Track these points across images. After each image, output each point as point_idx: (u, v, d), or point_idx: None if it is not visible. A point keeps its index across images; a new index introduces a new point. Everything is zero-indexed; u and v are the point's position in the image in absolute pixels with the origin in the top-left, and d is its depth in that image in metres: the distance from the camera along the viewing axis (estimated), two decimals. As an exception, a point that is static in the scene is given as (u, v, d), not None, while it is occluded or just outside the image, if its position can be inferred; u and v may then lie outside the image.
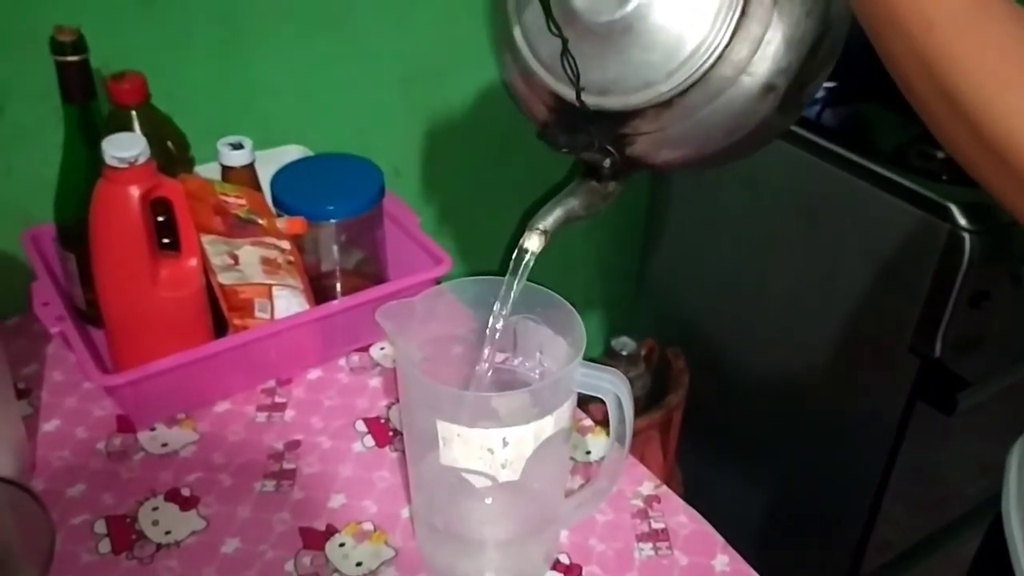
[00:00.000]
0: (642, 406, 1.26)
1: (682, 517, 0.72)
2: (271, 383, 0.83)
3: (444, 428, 0.57)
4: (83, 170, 0.76)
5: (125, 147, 0.69)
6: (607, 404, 0.59)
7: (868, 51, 0.66)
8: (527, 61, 0.53)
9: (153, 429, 0.77)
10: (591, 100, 0.51)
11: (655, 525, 0.71)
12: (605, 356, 1.30)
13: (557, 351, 0.62)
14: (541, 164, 1.32)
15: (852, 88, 1.16)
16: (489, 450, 0.57)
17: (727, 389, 1.35)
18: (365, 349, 0.88)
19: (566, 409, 0.59)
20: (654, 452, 1.25)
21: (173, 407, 0.79)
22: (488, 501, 0.60)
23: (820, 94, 1.20)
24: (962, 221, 0.98)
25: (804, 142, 1.12)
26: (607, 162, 0.54)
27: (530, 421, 0.57)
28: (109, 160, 0.69)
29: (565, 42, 0.49)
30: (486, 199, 1.26)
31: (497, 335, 0.59)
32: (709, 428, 1.39)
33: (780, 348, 1.25)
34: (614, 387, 0.58)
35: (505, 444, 0.57)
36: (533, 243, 0.56)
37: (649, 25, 0.48)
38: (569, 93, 0.51)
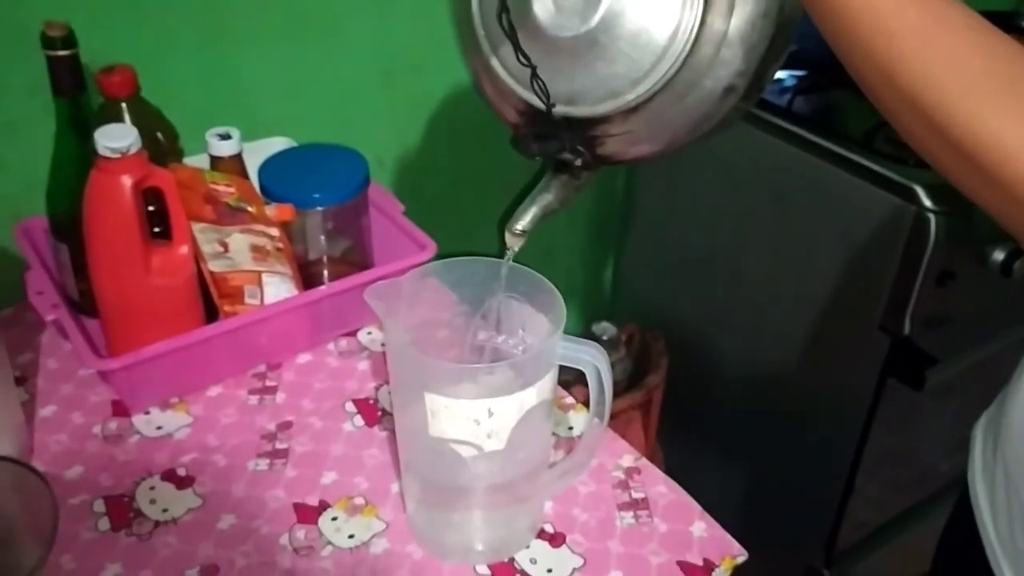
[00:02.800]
0: (623, 388, 1.29)
1: (661, 487, 0.75)
2: (262, 367, 0.85)
3: (431, 400, 0.59)
4: (74, 162, 0.78)
5: (117, 138, 0.71)
6: (587, 375, 0.62)
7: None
8: (497, 73, 0.56)
9: (148, 413, 0.80)
10: (560, 110, 0.54)
11: (635, 495, 0.74)
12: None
13: (539, 327, 0.64)
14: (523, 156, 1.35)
15: (821, 76, 1.20)
16: (475, 421, 0.59)
17: (706, 371, 1.39)
18: (353, 334, 0.90)
19: (548, 381, 0.61)
20: (635, 432, 1.28)
21: (167, 391, 0.81)
22: (475, 470, 0.63)
23: (791, 83, 1.23)
24: (928, 203, 1.01)
25: (776, 129, 1.15)
26: (578, 161, 0.57)
27: (514, 392, 0.59)
28: (102, 150, 0.71)
29: (534, 69, 0.52)
30: (469, 187, 1.29)
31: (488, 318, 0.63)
32: (689, 409, 1.43)
33: (755, 329, 1.29)
34: (593, 359, 0.60)
35: (490, 415, 0.59)
36: (515, 244, 0.60)
37: (612, 38, 0.50)
38: (540, 103, 0.54)
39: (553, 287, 0.63)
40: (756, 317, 1.28)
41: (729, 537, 0.71)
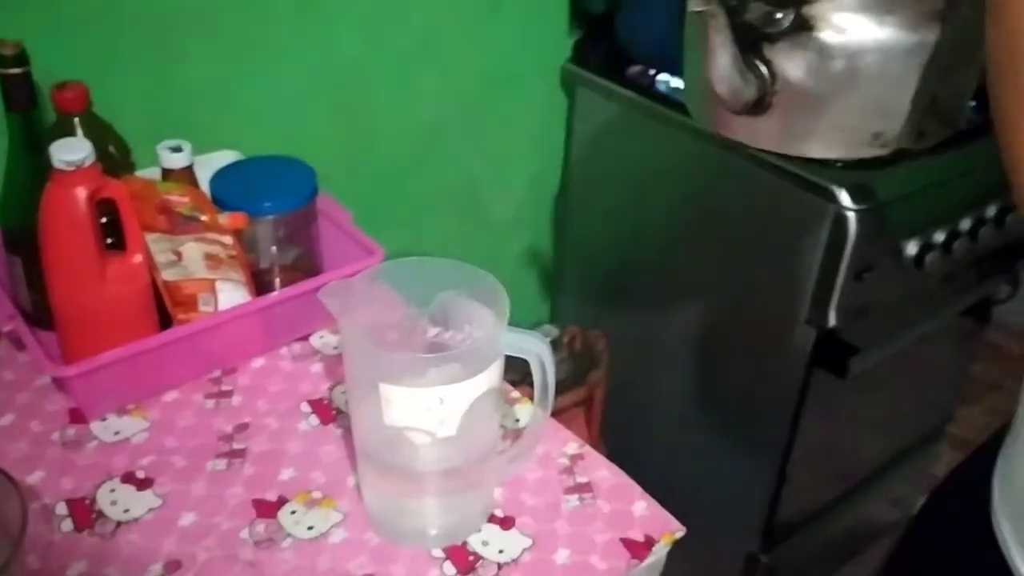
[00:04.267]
0: (567, 387, 1.33)
1: (604, 471, 0.80)
2: (217, 373, 0.88)
3: (386, 390, 0.63)
4: (27, 177, 0.80)
5: (72, 151, 0.74)
6: (531, 364, 0.66)
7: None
8: None
9: (104, 419, 0.82)
10: None
11: (580, 479, 0.79)
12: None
13: (485, 320, 0.68)
14: (464, 163, 1.40)
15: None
16: (428, 408, 0.63)
17: (645, 368, 1.44)
18: (305, 338, 0.93)
19: (495, 370, 0.66)
20: (579, 428, 1.33)
21: (123, 398, 0.83)
22: (428, 455, 0.67)
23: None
24: (846, 202, 1.08)
25: (702, 134, 1.21)
26: (781, 14, 0.60)
27: (463, 381, 0.63)
28: (57, 163, 0.73)
29: None
30: (415, 195, 1.33)
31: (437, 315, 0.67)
32: (631, 404, 1.48)
33: (690, 326, 1.34)
34: (536, 347, 0.65)
35: (442, 402, 0.63)
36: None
37: None
38: None
39: (497, 281, 0.67)
40: (690, 314, 1.34)
41: (668, 514, 0.76)
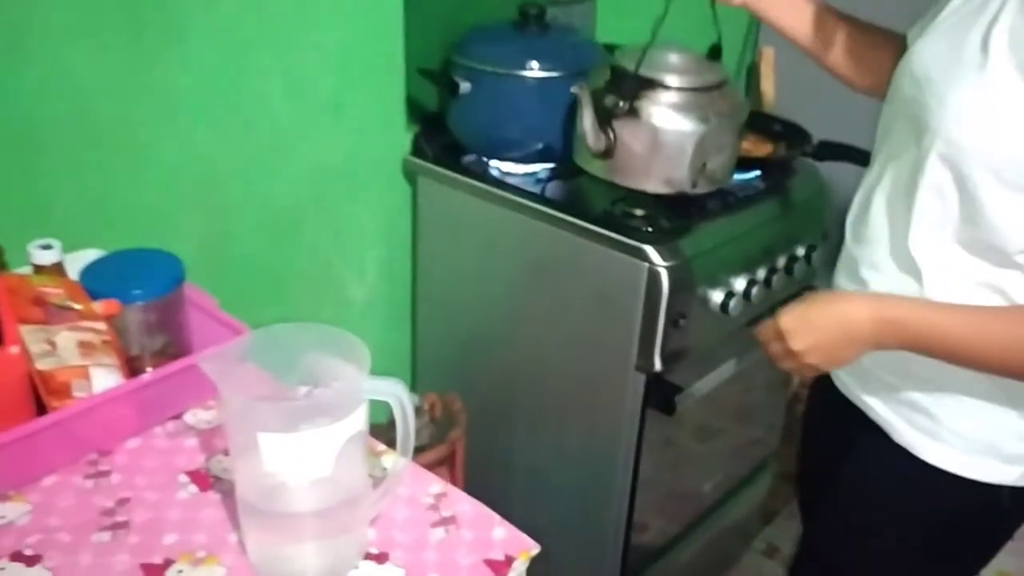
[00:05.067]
0: (430, 447, 1.42)
1: (466, 505, 0.90)
2: (93, 455, 0.92)
3: (264, 439, 0.71)
4: None
5: (-51, 252, 0.79)
6: (392, 406, 0.76)
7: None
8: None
9: (-15, 507, 0.85)
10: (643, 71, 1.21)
11: (444, 514, 0.88)
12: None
13: (348, 374, 0.78)
14: (319, 250, 1.50)
15: (566, 168, 1.43)
16: (303, 452, 0.72)
17: (501, 423, 1.55)
18: (179, 416, 0.99)
19: (360, 414, 0.75)
20: (444, 486, 1.42)
21: (3, 484, 0.86)
22: (305, 497, 0.75)
23: (544, 174, 1.46)
24: (657, 260, 1.24)
25: (533, 212, 1.37)
26: (621, 104, 1.21)
27: (332, 425, 0.73)
28: (-65, 264, 0.79)
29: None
30: (274, 282, 1.41)
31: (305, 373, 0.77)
32: (491, 458, 1.58)
33: (536, 381, 1.47)
34: (394, 390, 0.75)
35: (315, 445, 0.72)
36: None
37: None
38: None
39: (356, 338, 0.77)
40: (535, 371, 1.47)
41: (523, 535, 0.86)
